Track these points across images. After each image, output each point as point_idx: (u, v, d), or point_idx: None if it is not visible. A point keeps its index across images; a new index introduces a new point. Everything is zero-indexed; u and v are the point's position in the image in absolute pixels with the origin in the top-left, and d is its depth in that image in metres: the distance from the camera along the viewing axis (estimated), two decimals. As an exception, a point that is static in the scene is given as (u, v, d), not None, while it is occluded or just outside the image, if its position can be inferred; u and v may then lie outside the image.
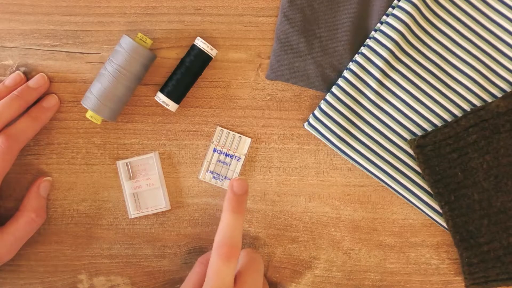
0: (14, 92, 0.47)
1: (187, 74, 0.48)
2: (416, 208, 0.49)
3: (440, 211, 0.48)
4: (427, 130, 0.48)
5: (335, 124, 0.48)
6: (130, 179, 0.50)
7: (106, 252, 0.50)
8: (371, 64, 0.48)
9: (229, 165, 0.50)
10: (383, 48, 0.48)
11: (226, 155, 0.50)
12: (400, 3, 0.48)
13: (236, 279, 0.41)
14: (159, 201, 0.50)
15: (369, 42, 0.48)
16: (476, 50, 0.48)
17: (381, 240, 0.50)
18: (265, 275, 0.50)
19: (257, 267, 0.44)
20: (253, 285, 0.42)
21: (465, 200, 0.47)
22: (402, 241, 0.50)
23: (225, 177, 0.50)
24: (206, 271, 0.40)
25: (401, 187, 0.48)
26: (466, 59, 0.48)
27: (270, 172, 0.50)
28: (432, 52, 0.49)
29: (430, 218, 0.49)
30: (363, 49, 0.48)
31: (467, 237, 0.48)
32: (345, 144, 0.48)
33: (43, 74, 0.49)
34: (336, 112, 0.48)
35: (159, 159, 0.50)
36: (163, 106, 0.50)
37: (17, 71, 0.49)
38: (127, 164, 0.50)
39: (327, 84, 0.49)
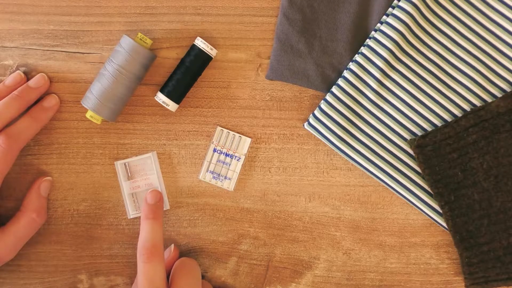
0: (15, 92, 0.47)
1: (187, 74, 0.48)
2: (416, 208, 0.49)
3: (440, 211, 0.48)
4: (427, 130, 0.48)
5: (335, 124, 0.48)
6: (129, 179, 0.50)
7: (106, 252, 0.50)
8: (371, 64, 0.48)
9: (229, 165, 0.50)
10: (383, 48, 0.48)
11: (226, 155, 0.50)
12: (400, 3, 0.48)
13: (171, 283, 0.44)
14: (159, 201, 0.50)
15: (369, 42, 0.48)
16: (476, 50, 0.48)
17: (381, 240, 0.50)
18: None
19: (192, 271, 0.46)
20: (187, 287, 0.44)
21: (465, 200, 0.47)
22: (402, 241, 0.50)
23: (225, 177, 0.50)
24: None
25: (401, 187, 0.48)
26: (466, 59, 0.48)
27: (270, 172, 0.50)
28: (432, 52, 0.49)
29: (430, 218, 0.49)
30: (363, 49, 0.48)
31: (467, 237, 0.48)
32: (345, 144, 0.48)
33: (43, 74, 0.49)
34: (336, 112, 0.48)
35: (157, 158, 0.50)
36: (163, 106, 0.50)
37: (18, 71, 0.49)
38: (125, 164, 0.50)
39: (327, 84, 0.49)
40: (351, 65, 0.48)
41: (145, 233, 0.44)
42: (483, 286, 0.48)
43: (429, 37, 0.49)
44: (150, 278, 0.42)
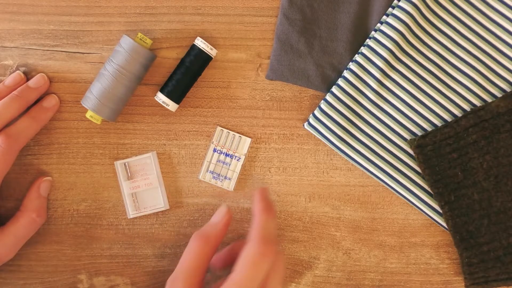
0: (14, 92, 0.47)
1: (187, 74, 0.48)
2: (416, 208, 0.49)
3: (440, 211, 0.48)
4: (427, 130, 0.48)
5: (335, 124, 0.48)
6: (128, 179, 0.50)
7: (106, 252, 0.50)
8: (371, 64, 0.48)
9: (229, 165, 0.50)
10: (383, 48, 0.48)
11: (226, 155, 0.50)
12: (400, 3, 0.48)
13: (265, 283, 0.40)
14: (157, 201, 0.50)
15: (369, 42, 0.48)
16: (476, 50, 0.48)
17: (381, 240, 0.50)
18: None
19: (281, 269, 0.43)
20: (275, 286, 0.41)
21: (465, 200, 0.47)
22: (402, 241, 0.50)
23: (225, 177, 0.50)
24: (205, 251, 0.40)
25: (401, 187, 0.48)
26: (466, 59, 0.48)
27: (270, 172, 0.50)
28: (432, 52, 0.49)
29: (430, 218, 0.49)
30: (363, 49, 0.48)
31: (467, 237, 0.48)
32: (345, 144, 0.48)
33: (43, 74, 0.49)
34: (336, 112, 0.48)
35: (157, 158, 0.50)
36: (163, 106, 0.50)
37: (17, 71, 0.49)
38: (125, 164, 0.50)
39: (327, 84, 0.49)
40: (351, 65, 0.48)
41: (268, 225, 0.41)
42: (483, 286, 0.48)
43: (429, 37, 0.49)
44: (258, 272, 0.39)
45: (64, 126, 0.50)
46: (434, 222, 0.49)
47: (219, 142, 0.50)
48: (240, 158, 0.50)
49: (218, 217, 0.43)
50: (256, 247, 0.39)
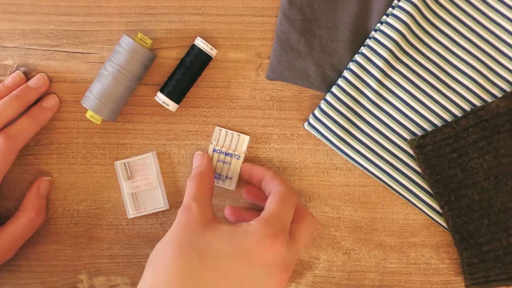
0: (14, 92, 0.47)
1: (187, 74, 0.48)
2: (416, 208, 0.49)
3: (440, 211, 0.48)
4: (427, 130, 0.48)
5: (335, 124, 0.48)
6: (129, 179, 0.50)
7: (106, 252, 0.50)
8: (371, 64, 0.48)
9: (229, 164, 0.50)
10: (383, 48, 0.48)
11: (226, 154, 0.50)
12: (400, 3, 0.48)
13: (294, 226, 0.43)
14: (157, 201, 0.50)
15: (369, 42, 0.48)
16: (476, 50, 0.48)
17: (381, 240, 0.50)
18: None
19: (309, 221, 0.45)
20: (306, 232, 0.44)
21: (465, 200, 0.47)
22: (402, 241, 0.50)
23: (226, 177, 0.50)
24: (205, 182, 0.44)
25: (401, 187, 0.48)
26: (466, 59, 0.48)
27: (270, 172, 0.50)
28: (432, 52, 0.49)
29: (430, 218, 0.49)
30: (363, 49, 0.48)
31: (467, 237, 0.48)
32: (345, 144, 0.48)
33: (43, 74, 0.49)
34: (336, 112, 0.48)
35: (157, 158, 0.50)
36: (163, 106, 0.50)
37: (17, 71, 0.49)
38: (125, 164, 0.50)
39: (327, 84, 0.49)
40: (351, 65, 0.48)
41: (275, 173, 0.46)
42: (483, 286, 0.48)
43: (429, 37, 0.49)
44: (291, 205, 0.43)
45: (64, 126, 0.50)
46: (434, 222, 0.49)
47: (218, 141, 0.50)
48: (239, 157, 0.50)
49: (198, 159, 0.48)
50: (282, 185, 0.44)
